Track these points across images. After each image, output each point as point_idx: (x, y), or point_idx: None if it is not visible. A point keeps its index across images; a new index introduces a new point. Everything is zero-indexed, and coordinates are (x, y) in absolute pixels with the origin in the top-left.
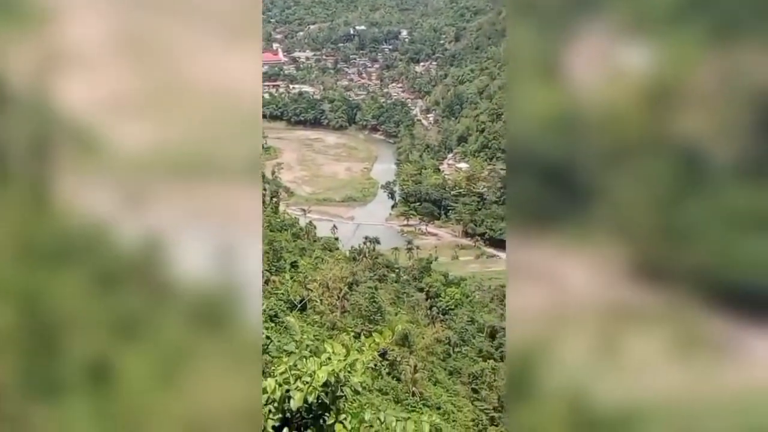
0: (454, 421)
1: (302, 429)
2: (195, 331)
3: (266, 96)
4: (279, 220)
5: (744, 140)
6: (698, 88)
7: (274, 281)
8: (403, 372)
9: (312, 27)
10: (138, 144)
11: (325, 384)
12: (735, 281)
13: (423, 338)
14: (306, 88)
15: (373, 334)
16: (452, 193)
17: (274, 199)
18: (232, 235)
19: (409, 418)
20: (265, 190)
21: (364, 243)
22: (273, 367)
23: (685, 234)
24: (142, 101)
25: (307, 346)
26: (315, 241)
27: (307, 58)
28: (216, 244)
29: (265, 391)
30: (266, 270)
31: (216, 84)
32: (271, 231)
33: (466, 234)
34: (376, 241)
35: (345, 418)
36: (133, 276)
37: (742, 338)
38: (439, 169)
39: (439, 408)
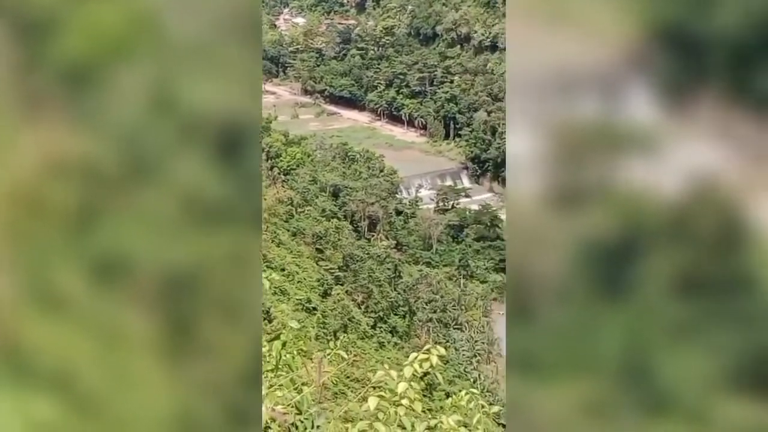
0: (299, 282)
1: None
2: None
3: None
4: None
5: None
6: None
7: None
8: None
9: None
10: None
11: None
12: None
13: (264, 199)
14: None
15: None
16: (290, 49)
17: None
18: None
19: None
20: None
21: None
22: None
23: None
24: None
25: None
26: None
27: None
28: None
29: None
30: None
31: None
32: None
33: (305, 92)
34: None
35: None
36: None
37: None
38: (275, 25)
39: (283, 269)
